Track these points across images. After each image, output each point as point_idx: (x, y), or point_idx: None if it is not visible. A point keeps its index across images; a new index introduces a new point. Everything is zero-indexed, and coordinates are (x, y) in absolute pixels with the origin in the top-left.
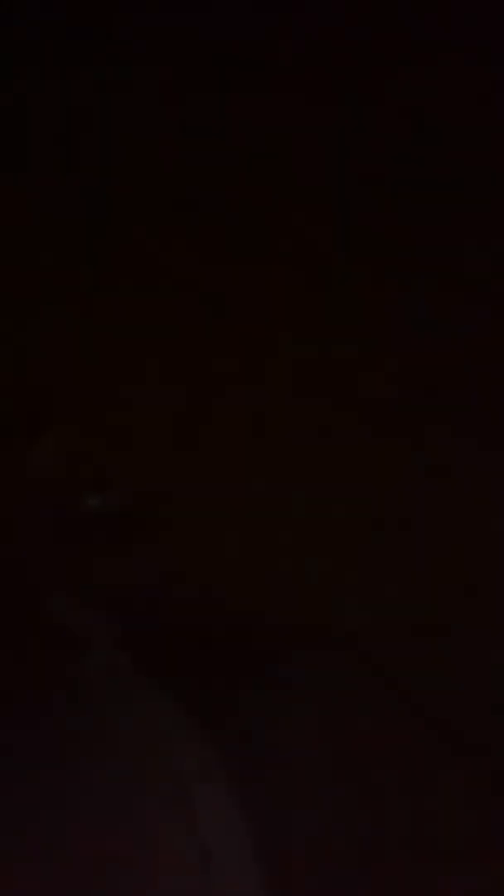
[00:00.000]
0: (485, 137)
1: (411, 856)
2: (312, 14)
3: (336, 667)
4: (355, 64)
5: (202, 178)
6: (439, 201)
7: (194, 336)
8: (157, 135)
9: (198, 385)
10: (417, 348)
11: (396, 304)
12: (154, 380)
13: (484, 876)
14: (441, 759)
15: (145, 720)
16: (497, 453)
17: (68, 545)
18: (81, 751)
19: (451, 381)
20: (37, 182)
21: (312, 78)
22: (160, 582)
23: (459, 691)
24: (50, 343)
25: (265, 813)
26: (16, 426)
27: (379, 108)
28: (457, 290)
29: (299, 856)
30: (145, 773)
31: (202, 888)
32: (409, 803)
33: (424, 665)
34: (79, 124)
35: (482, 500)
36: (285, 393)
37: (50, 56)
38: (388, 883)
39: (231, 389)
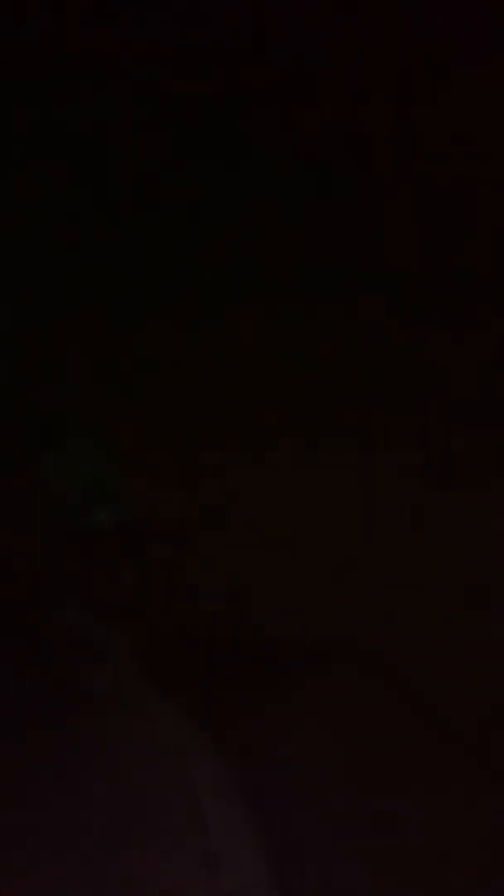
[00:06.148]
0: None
1: (418, 864)
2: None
3: (352, 681)
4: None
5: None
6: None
7: (201, 352)
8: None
9: (207, 400)
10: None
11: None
12: (163, 393)
13: (487, 877)
14: (447, 766)
15: (156, 732)
16: (497, 456)
17: (80, 558)
18: (91, 761)
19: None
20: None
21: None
22: (172, 595)
23: (461, 691)
24: (62, 358)
25: (275, 823)
26: (27, 440)
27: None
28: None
29: (308, 866)
30: (155, 784)
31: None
32: (419, 813)
33: (428, 666)
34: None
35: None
36: (293, 411)
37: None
38: (394, 888)
39: (239, 405)
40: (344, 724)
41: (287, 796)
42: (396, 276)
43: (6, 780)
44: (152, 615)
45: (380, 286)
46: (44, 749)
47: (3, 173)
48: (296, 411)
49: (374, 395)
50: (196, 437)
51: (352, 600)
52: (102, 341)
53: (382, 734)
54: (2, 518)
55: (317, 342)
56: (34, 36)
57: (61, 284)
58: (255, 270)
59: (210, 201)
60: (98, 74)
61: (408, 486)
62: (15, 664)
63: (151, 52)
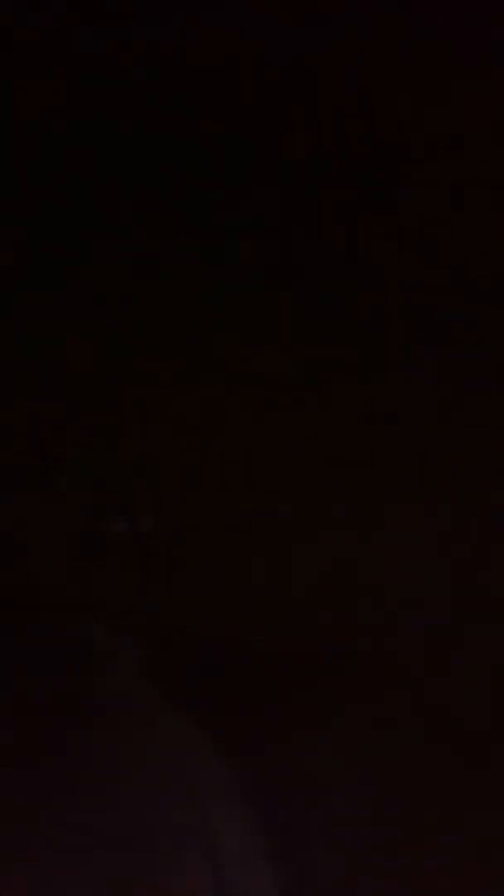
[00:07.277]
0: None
1: (418, 864)
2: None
3: (354, 683)
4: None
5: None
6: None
7: (208, 361)
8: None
9: (214, 411)
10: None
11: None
12: (173, 407)
13: (487, 878)
14: (448, 766)
15: (166, 743)
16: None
17: (92, 570)
18: (102, 772)
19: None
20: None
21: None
22: (183, 606)
23: (467, 690)
24: (68, 369)
25: (283, 836)
26: (39, 453)
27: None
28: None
29: (316, 878)
30: (165, 796)
31: None
32: (419, 813)
33: (429, 668)
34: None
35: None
36: (296, 420)
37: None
38: (394, 888)
39: (243, 417)
40: (344, 724)
41: (288, 797)
42: (398, 282)
43: (12, 782)
44: (157, 620)
45: (380, 291)
46: (48, 750)
47: (4, 178)
48: (298, 414)
49: (374, 402)
50: (201, 445)
51: (353, 604)
52: (112, 356)
53: (383, 734)
54: (14, 528)
55: (315, 345)
56: (34, 36)
57: (66, 291)
58: (256, 263)
59: (209, 199)
60: (98, 74)
61: (408, 491)
62: (22, 668)
63: (151, 53)
